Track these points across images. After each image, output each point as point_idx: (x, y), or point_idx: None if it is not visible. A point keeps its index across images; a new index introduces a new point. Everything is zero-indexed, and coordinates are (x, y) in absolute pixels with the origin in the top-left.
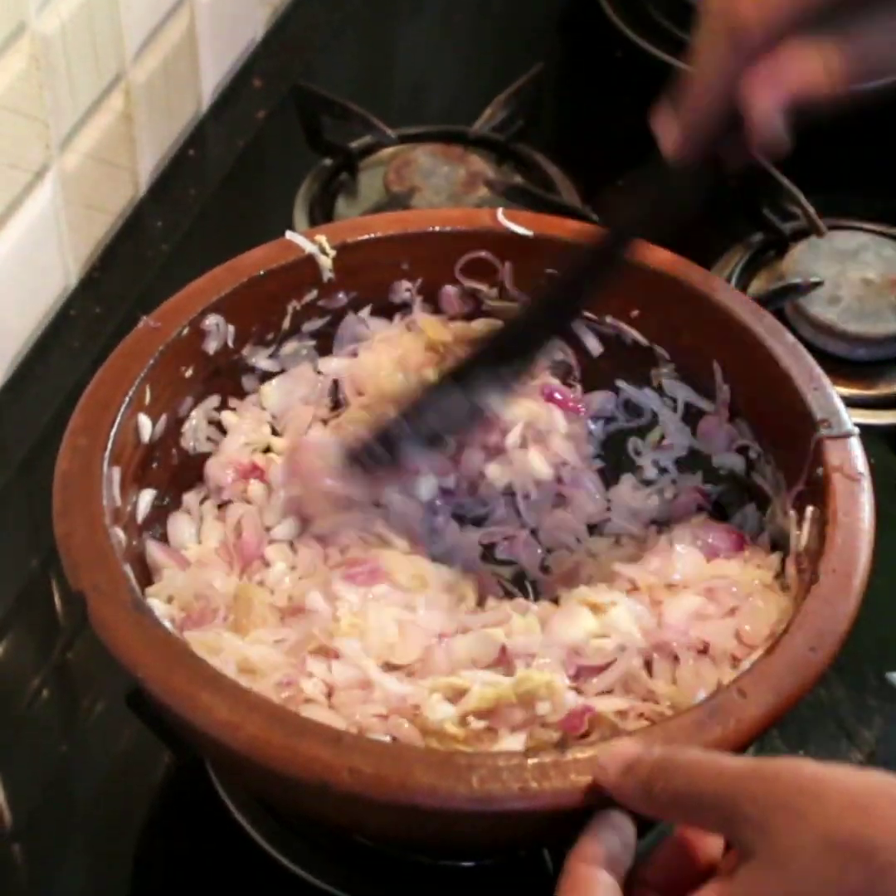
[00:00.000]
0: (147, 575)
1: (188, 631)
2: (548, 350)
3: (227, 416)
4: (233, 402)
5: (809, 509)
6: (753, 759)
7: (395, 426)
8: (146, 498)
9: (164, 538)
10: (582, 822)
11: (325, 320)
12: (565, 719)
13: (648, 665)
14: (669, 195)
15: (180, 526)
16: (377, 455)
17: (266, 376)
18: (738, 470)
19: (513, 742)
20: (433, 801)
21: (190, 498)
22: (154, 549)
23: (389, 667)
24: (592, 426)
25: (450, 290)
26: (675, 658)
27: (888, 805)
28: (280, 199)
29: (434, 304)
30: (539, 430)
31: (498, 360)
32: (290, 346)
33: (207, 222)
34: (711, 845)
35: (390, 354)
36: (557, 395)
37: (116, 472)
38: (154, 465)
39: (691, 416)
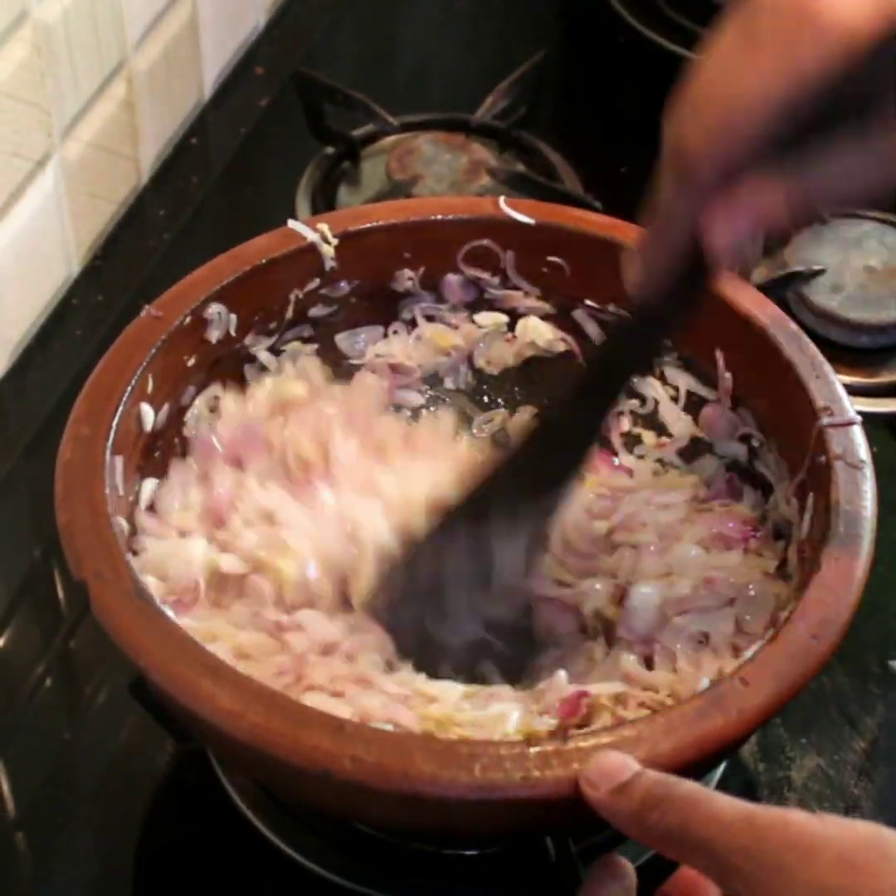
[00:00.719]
0: None
1: (181, 617)
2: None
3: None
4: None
5: (811, 497)
6: (747, 808)
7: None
8: (148, 487)
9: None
10: (584, 810)
11: (329, 310)
12: (561, 705)
13: (649, 659)
14: (643, 335)
15: (166, 494)
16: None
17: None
18: (740, 458)
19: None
20: (435, 790)
21: (177, 468)
22: (143, 517)
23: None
24: None
25: (452, 278)
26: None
27: (877, 859)
28: (282, 187)
29: (436, 293)
30: None
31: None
32: (292, 336)
33: (209, 211)
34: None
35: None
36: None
37: (119, 461)
38: (156, 454)
39: (693, 405)
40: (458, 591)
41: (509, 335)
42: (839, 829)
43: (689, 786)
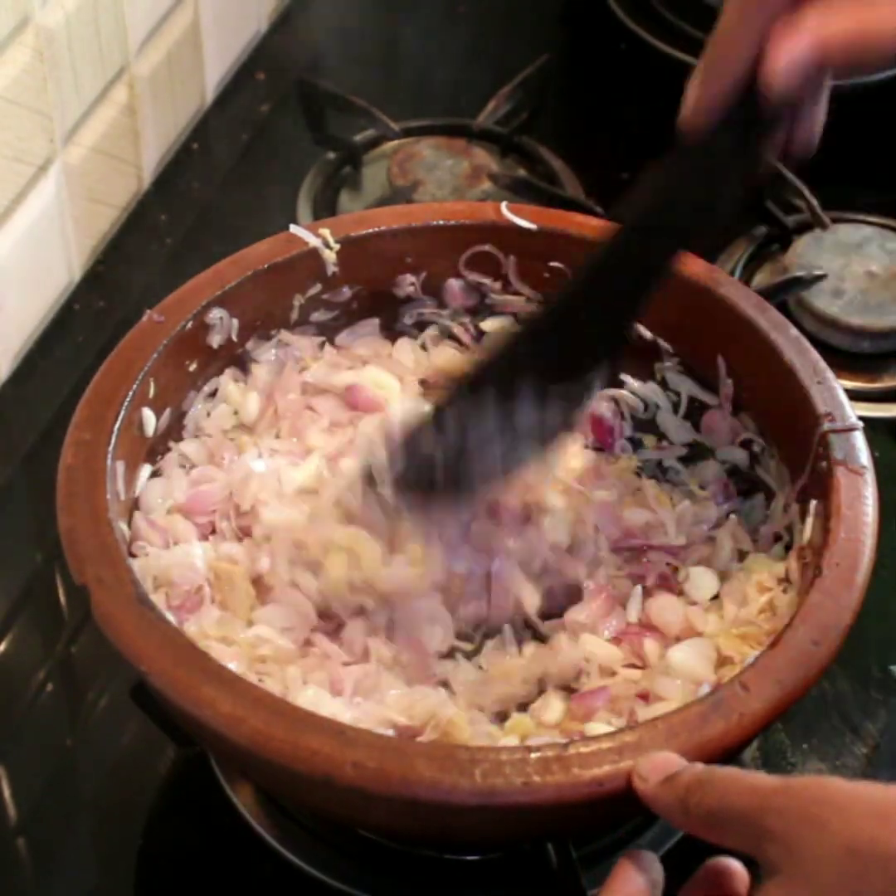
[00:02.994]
0: None
1: (187, 620)
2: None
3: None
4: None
5: (813, 503)
6: (784, 778)
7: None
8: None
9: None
10: (584, 815)
11: (331, 314)
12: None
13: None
14: (693, 174)
15: (151, 488)
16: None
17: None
18: (741, 464)
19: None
20: (436, 796)
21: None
22: (139, 519)
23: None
24: None
25: (453, 283)
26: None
27: None
28: (284, 192)
29: (438, 298)
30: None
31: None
32: (293, 339)
33: (211, 216)
34: (739, 882)
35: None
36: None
37: (120, 466)
38: (158, 459)
39: (694, 411)
40: (483, 455)
41: None
42: (874, 788)
43: (729, 769)
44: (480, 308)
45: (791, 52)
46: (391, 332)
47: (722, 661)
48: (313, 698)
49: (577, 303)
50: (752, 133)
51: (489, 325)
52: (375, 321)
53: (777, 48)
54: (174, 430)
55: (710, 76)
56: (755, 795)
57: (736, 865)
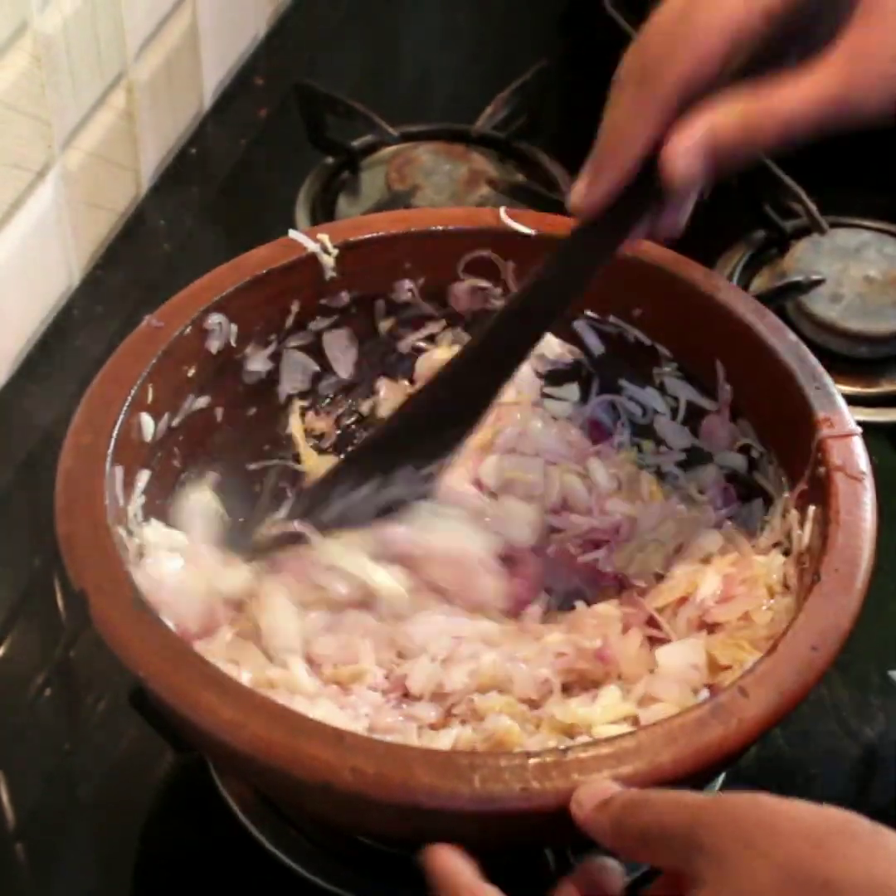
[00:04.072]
0: None
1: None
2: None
3: None
4: None
5: (811, 508)
6: (717, 794)
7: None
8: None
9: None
10: None
11: (329, 320)
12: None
13: None
14: (576, 259)
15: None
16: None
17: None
18: (740, 469)
19: None
20: (435, 802)
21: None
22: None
23: None
24: None
25: (459, 286)
26: None
27: (843, 842)
28: (282, 197)
29: (440, 302)
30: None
31: (416, 440)
32: (292, 344)
33: (209, 221)
34: (614, 878)
35: None
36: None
37: (119, 471)
38: (156, 464)
39: (693, 416)
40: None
41: None
42: (809, 810)
43: (667, 791)
44: (485, 313)
45: (685, 148)
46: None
47: (718, 668)
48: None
49: (443, 394)
50: (632, 217)
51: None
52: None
53: (671, 146)
54: (173, 435)
55: (602, 168)
56: (686, 810)
57: (611, 862)
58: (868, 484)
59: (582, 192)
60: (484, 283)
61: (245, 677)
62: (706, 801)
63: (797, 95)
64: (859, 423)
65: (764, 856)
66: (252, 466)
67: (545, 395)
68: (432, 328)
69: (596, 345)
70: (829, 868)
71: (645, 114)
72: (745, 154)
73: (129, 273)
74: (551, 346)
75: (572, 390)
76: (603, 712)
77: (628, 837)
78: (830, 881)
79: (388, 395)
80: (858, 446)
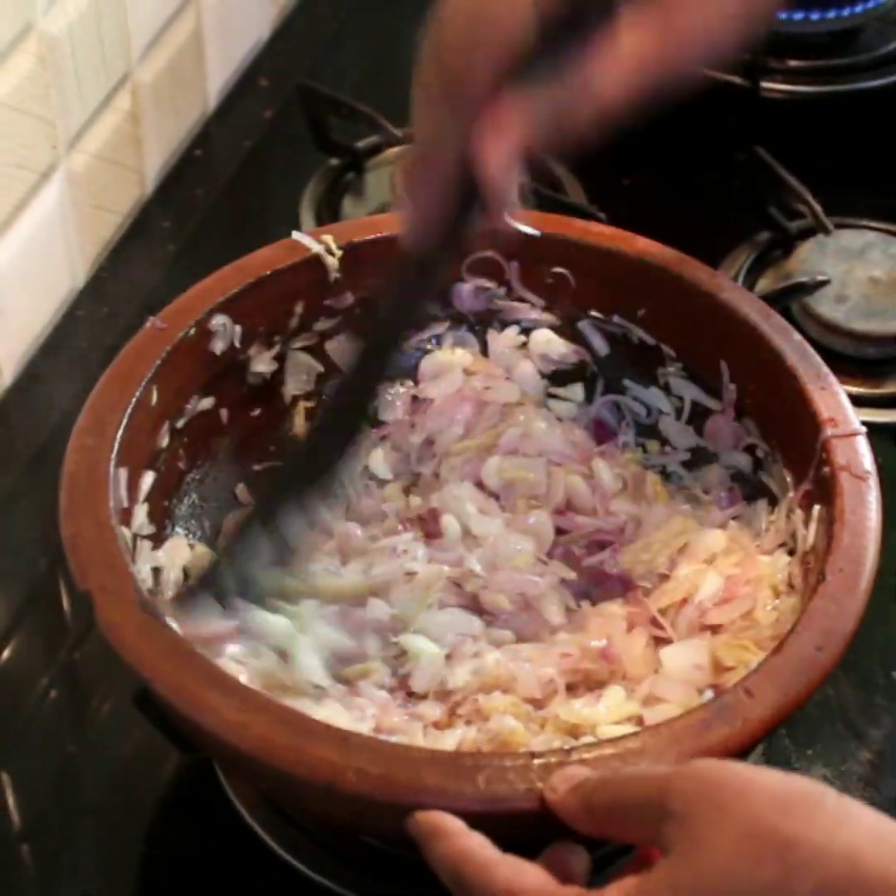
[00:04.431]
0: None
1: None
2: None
3: None
4: None
5: (816, 508)
6: (687, 763)
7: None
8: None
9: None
10: None
11: (334, 321)
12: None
13: None
14: (417, 285)
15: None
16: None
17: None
18: (745, 469)
19: None
20: (440, 802)
21: None
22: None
23: None
24: None
25: (463, 286)
26: None
27: (809, 807)
28: (286, 199)
29: (444, 302)
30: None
31: (295, 487)
32: (297, 346)
33: (214, 222)
34: (579, 860)
35: None
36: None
37: (123, 473)
38: (161, 465)
39: (697, 416)
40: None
41: (524, 348)
42: (777, 777)
43: (632, 767)
44: (488, 314)
45: (499, 149)
46: None
47: (722, 669)
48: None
49: (319, 434)
50: (461, 231)
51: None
52: None
53: (484, 148)
54: (177, 437)
55: (420, 196)
56: (656, 780)
57: (576, 846)
58: (873, 484)
59: (408, 226)
60: (488, 284)
61: (255, 671)
62: (676, 771)
63: (609, 70)
64: (864, 424)
65: (731, 817)
66: (257, 467)
67: (550, 396)
68: (436, 329)
69: (600, 345)
70: (793, 829)
71: (456, 128)
72: (565, 144)
73: (133, 275)
74: (556, 347)
75: (577, 391)
76: (607, 713)
77: (598, 814)
78: (792, 841)
79: (393, 398)
80: (863, 446)
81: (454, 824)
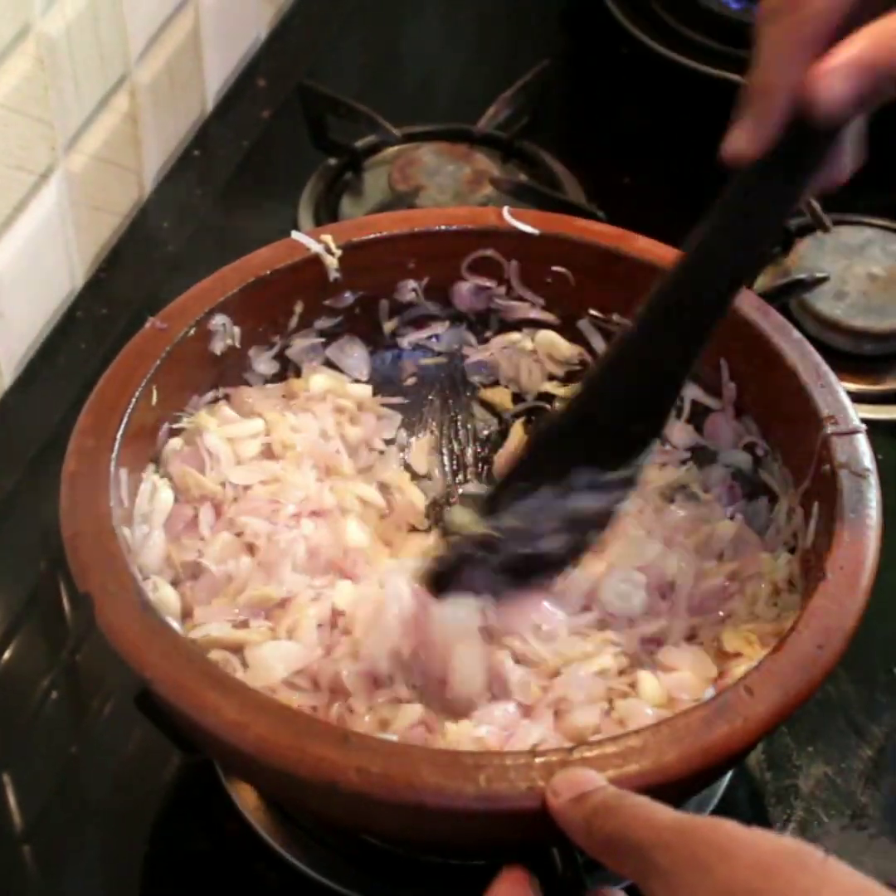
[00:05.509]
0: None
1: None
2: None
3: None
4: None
5: (816, 506)
6: (684, 815)
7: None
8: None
9: None
10: None
11: (333, 321)
12: None
13: None
14: (756, 205)
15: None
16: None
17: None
18: (745, 467)
19: None
20: (441, 801)
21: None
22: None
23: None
24: None
25: (462, 286)
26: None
27: (794, 869)
28: (285, 198)
29: (444, 302)
30: None
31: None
32: (297, 346)
33: (213, 223)
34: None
35: None
36: None
37: (124, 473)
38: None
39: (697, 414)
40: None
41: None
42: (764, 837)
43: (639, 798)
44: (488, 313)
45: (836, 65)
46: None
47: (726, 657)
48: None
49: (619, 373)
50: (796, 168)
51: (498, 342)
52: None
53: (821, 65)
54: (177, 437)
55: (760, 109)
56: (650, 829)
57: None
58: (873, 481)
59: (744, 135)
60: (487, 283)
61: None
62: (670, 822)
63: None
64: (863, 421)
65: (713, 879)
66: None
67: (552, 397)
68: (436, 328)
69: (600, 344)
70: (773, 891)
71: (793, 45)
72: None
73: (132, 275)
74: (560, 348)
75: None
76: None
77: (596, 841)
78: None
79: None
80: (863, 443)
81: None
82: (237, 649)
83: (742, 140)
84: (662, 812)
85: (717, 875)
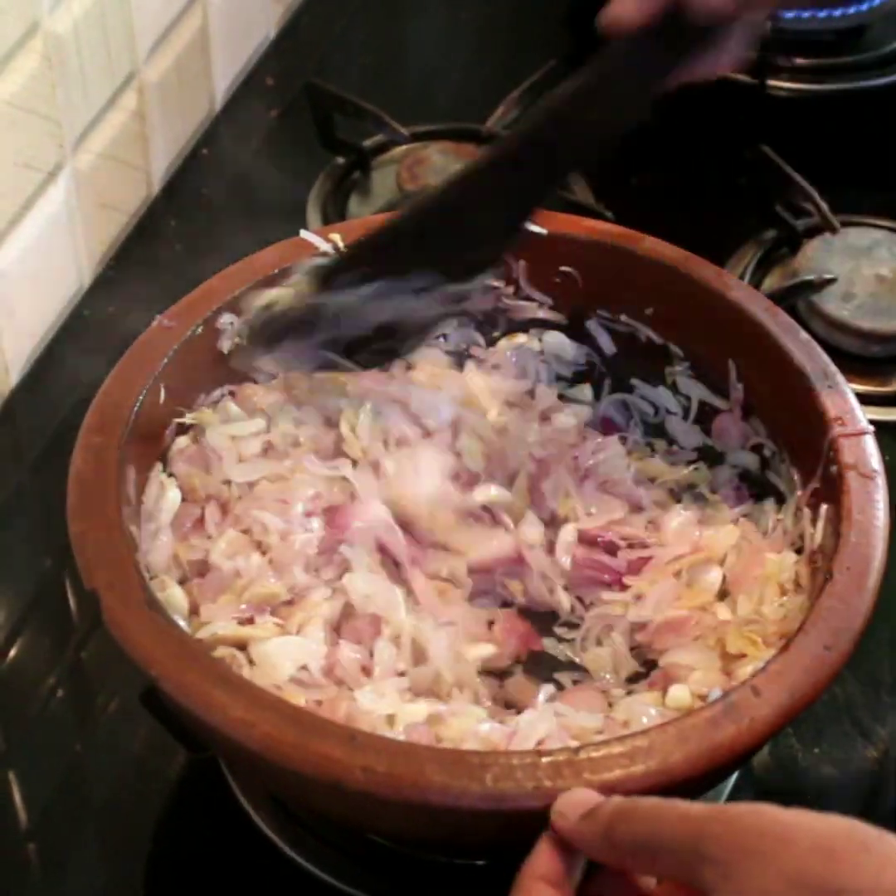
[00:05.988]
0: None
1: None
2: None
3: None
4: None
5: (824, 507)
6: (714, 805)
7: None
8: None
9: None
10: None
11: None
12: None
13: None
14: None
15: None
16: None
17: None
18: (752, 468)
19: None
20: (446, 800)
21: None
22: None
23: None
24: None
25: None
26: None
27: (854, 850)
28: (293, 197)
29: (451, 299)
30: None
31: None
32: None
33: (220, 221)
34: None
35: None
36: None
37: (131, 471)
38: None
39: (705, 415)
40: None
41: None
42: (813, 818)
43: (651, 799)
44: (496, 313)
45: None
46: None
47: (731, 659)
48: None
49: (474, 190)
50: (667, 48)
51: (505, 344)
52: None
53: None
54: (185, 435)
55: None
56: (689, 822)
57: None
58: (880, 482)
59: (628, 4)
60: (495, 282)
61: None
62: (709, 813)
63: None
64: (871, 422)
65: (775, 866)
66: None
67: (560, 397)
68: (444, 327)
69: (608, 344)
70: (840, 877)
71: None
72: None
73: (140, 273)
74: (566, 348)
75: (585, 391)
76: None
77: (621, 849)
78: (842, 890)
79: None
80: (871, 445)
81: None
82: (243, 646)
83: (624, 7)
84: (689, 805)
85: (780, 863)
